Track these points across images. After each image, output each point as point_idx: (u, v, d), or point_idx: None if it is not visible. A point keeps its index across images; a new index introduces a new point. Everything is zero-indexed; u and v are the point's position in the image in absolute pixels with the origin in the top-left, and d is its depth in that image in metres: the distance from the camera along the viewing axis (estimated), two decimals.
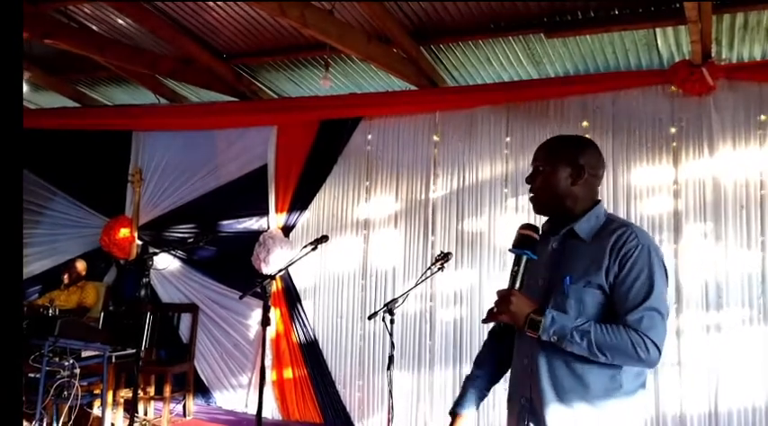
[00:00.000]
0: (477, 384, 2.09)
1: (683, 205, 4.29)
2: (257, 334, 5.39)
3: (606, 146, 4.50)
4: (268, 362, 5.29)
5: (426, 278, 3.82)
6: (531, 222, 1.97)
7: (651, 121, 4.41)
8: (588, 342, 1.78)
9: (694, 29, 3.59)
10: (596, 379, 1.84)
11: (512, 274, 1.84)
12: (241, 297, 3.87)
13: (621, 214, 4.40)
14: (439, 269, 3.87)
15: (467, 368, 4.64)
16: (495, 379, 2.13)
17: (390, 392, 3.42)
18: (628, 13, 4.11)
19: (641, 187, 4.41)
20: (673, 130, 4.38)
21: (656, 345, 1.79)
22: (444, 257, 3.88)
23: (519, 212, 4.66)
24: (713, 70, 4.13)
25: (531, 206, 1.99)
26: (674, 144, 4.36)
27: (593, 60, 4.68)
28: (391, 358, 3.45)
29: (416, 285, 3.79)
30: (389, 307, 3.48)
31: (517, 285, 1.82)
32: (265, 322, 3.50)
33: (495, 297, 1.85)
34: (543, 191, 1.97)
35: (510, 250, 1.87)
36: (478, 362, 2.14)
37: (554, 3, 4.15)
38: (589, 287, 1.85)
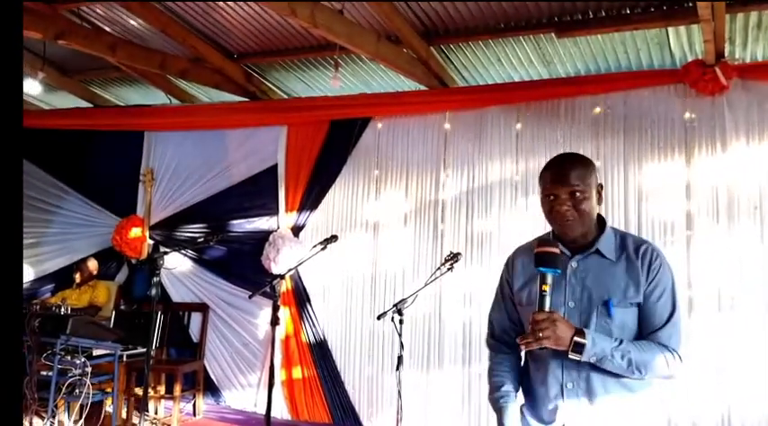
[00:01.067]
0: (513, 397, 2.05)
1: (695, 206, 4.24)
2: (267, 334, 5.40)
3: (617, 147, 4.49)
4: (277, 362, 5.31)
5: (435, 278, 3.81)
6: (546, 236, 2.01)
7: (663, 121, 4.37)
8: (628, 361, 1.86)
9: (707, 28, 3.56)
10: (636, 384, 1.92)
11: (541, 294, 1.80)
12: (250, 297, 3.88)
13: (633, 215, 4.38)
14: (449, 269, 3.85)
15: (476, 368, 4.68)
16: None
17: (399, 392, 3.42)
18: (639, 13, 4.07)
19: (653, 187, 4.37)
20: (685, 130, 4.34)
21: (681, 359, 1.90)
22: (454, 257, 3.87)
23: (529, 212, 4.63)
24: (726, 70, 4.08)
25: (565, 230, 1.92)
26: (687, 144, 4.31)
27: (604, 60, 4.65)
28: (400, 358, 3.44)
29: (426, 285, 3.78)
30: (398, 308, 3.47)
31: (548, 305, 1.80)
32: (275, 321, 3.51)
33: (533, 321, 1.80)
34: (587, 216, 1.92)
35: (539, 270, 1.82)
36: (506, 378, 2.06)
37: (564, 2, 4.13)
38: (630, 307, 1.90)
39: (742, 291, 4.06)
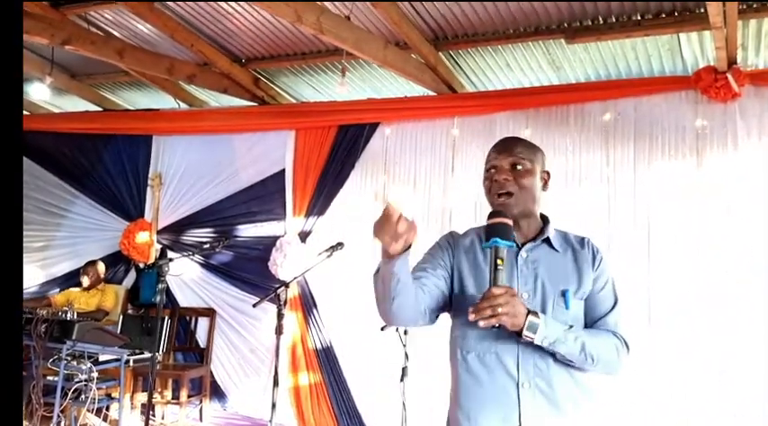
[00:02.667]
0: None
1: (707, 212, 4.18)
2: (274, 339, 5.33)
3: (628, 153, 4.44)
4: (284, 368, 5.29)
5: None
6: (498, 210, 1.78)
7: (674, 128, 4.32)
8: (581, 345, 1.74)
9: (719, 35, 3.51)
10: (589, 379, 1.82)
11: (497, 268, 1.63)
12: (255, 306, 3.87)
13: (644, 223, 4.33)
14: None
15: None
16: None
17: (404, 404, 3.38)
18: (650, 19, 4.03)
19: (664, 194, 4.31)
20: (696, 137, 4.28)
21: (629, 349, 1.85)
22: None
23: None
24: (738, 76, 4.02)
25: (502, 203, 1.77)
26: (698, 151, 4.25)
27: (614, 66, 4.60)
28: (404, 369, 3.41)
29: None
30: None
31: (502, 280, 1.63)
32: (278, 330, 3.49)
33: (491, 295, 1.61)
34: (527, 192, 1.82)
35: (494, 241, 1.64)
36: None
37: (575, 8, 4.08)
38: (581, 299, 1.83)
39: (755, 296, 3.99)
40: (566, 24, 4.27)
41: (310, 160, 5.44)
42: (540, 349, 1.71)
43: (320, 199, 5.39)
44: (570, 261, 1.85)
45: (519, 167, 1.81)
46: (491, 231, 1.67)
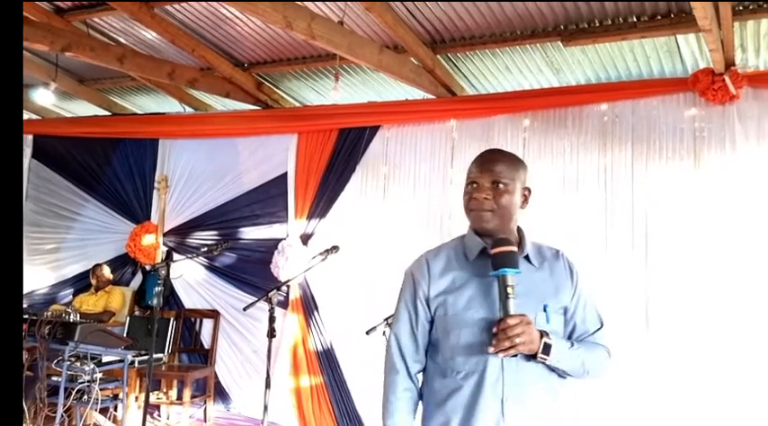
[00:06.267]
0: None
1: (705, 216, 4.14)
2: (277, 341, 5.39)
3: (626, 156, 4.41)
4: (285, 370, 5.35)
5: None
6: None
7: (672, 131, 4.28)
8: (582, 362, 1.82)
9: (710, 37, 3.47)
10: (565, 388, 1.86)
11: (507, 296, 1.69)
12: (245, 309, 3.90)
13: (642, 226, 4.29)
14: None
15: None
16: None
17: None
18: (645, 21, 4.00)
19: (662, 198, 4.28)
20: (694, 140, 4.24)
21: (610, 354, 1.94)
22: None
23: (535, 221, 4.56)
24: (736, 78, 3.97)
25: (479, 221, 1.82)
26: (696, 154, 4.21)
27: (614, 68, 4.57)
28: None
29: None
30: (390, 322, 3.44)
31: (513, 309, 1.68)
32: (270, 333, 3.52)
33: (507, 326, 1.67)
34: (506, 210, 1.84)
35: (502, 271, 1.70)
36: (407, 422, 1.85)
37: (570, 11, 4.07)
38: (559, 313, 1.85)
39: (753, 299, 3.95)
40: (562, 26, 4.25)
41: (312, 163, 5.48)
42: (520, 364, 1.75)
43: (322, 202, 5.42)
44: (547, 275, 1.88)
45: (500, 186, 1.83)
46: (498, 260, 1.73)
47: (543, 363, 1.75)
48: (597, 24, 4.15)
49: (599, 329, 1.91)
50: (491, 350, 1.68)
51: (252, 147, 5.87)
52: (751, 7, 3.73)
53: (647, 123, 4.37)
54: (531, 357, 1.74)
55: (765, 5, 3.69)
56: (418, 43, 4.51)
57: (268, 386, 3.50)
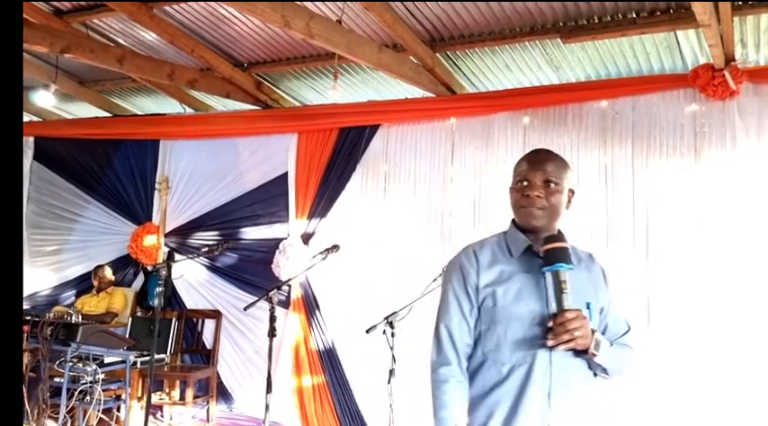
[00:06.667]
0: None
1: (706, 213, 4.13)
2: (278, 341, 5.39)
3: (626, 153, 4.40)
4: (287, 369, 5.35)
5: (432, 289, 3.76)
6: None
7: (672, 127, 4.27)
8: (619, 361, 1.90)
9: (710, 32, 3.46)
10: (599, 384, 1.93)
11: (563, 291, 1.73)
12: (245, 309, 3.90)
13: (643, 222, 4.29)
14: None
15: None
16: None
17: (391, 405, 3.40)
18: (645, 17, 3.99)
19: (663, 194, 4.27)
20: (695, 136, 4.23)
21: None
22: None
23: None
24: (736, 73, 3.96)
25: (530, 218, 1.85)
26: (696, 150, 4.20)
27: (613, 65, 4.56)
28: (392, 372, 3.42)
29: (422, 296, 3.74)
30: (390, 320, 3.45)
31: (569, 303, 1.73)
32: (271, 332, 3.52)
33: (566, 320, 1.71)
34: (555, 210, 1.87)
35: (558, 266, 1.75)
36: (459, 414, 1.84)
37: (569, 8, 4.06)
38: (597, 312, 1.91)
39: (753, 296, 3.94)
40: (561, 23, 4.24)
41: (312, 162, 5.48)
42: (568, 359, 1.80)
43: (322, 201, 5.42)
44: (586, 275, 1.92)
45: (551, 185, 1.86)
46: (553, 256, 1.77)
47: (586, 359, 1.81)
48: (596, 21, 4.13)
49: (627, 331, 1.98)
50: (549, 343, 1.72)
51: (252, 147, 5.87)
52: (750, 2, 3.71)
53: (647, 120, 4.36)
54: (578, 352, 1.79)
55: (765, 1, 3.68)
56: (417, 42, 4.51)
57: (269, 385, 3.49)
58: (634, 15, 4.02)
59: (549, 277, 1.79)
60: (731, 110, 4.09)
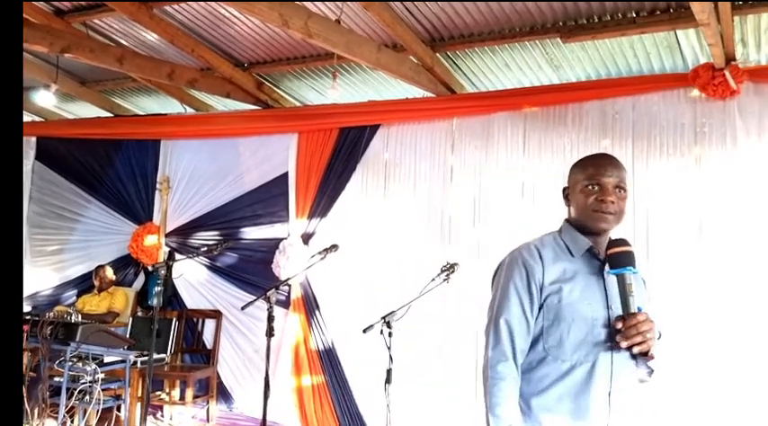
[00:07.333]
0: None
1: (706, 213, 4.12)
2: (278, 341, 5.41)
3: (626, 153, 4.37)
4: (287, 369, 5.35)
5: (430, 289, 3.76)
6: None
7: (673, 126, 4.25)
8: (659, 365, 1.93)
9: (709, 31, 3.44)
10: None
11: (630, 294, 1.77)
12: (243, 308, 3.90)
13: (643, 223, 4.27)
14: (444, 280, 3.81)
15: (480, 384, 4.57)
16: None
17: (388, 406, 3.39)
18: (645, 16, 3.97)
19: (663, 195, 4.25)
20: (695, 136, 4.21)
21: None
22: (450, 268, 3.82)
23: (537, 220, 4.53)
24: (736, 73, 3.94)
25: (602, 222, 1.87)
26: (697, 149, 4.19)
27: (614, 64, 4.54)
28: (389, 372, 3.42)
29: (420, 296, 3.74)
30: (387, 320, 3.44)
31: (634, 306, 1.77)
32: (269, 332, 3.52)
33: (638, 322, 1.75)
34: (622, 215, 1.92)
35: (627, 269, 1.78)
36: (515, 411, 1.84)
37: (568, 7, 4.05)
38: None
39: (754, 297, 3.92)
40: (561, 23, 4.23)
41: (312, 162, 5.48)
42: (627, 360, 1.83)
43: (322, 201, 5.41)
44: (632, 280, 1.92)
45: (621, 191, 1.90)
46: (621, 259, 1.81)
47: (641, 361, 1.83)
48: (596, 20, 4.12)
49: (659, 337, 1.98)
50: (623, 344, 1.75)
51: (253, 147, 5.87)
52: (751, 2, 3.70)
53: (647, 119, 4.34)
54: (634, 355, 1.82)
55: (765, 0, 3.66)
56: (417, 41, 4.50)
57: (266, 385, 3.49)
58: (634, 15, 4.01)
59: (611, 279, 1.82)
60: (732, 109, 4.07)
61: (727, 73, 3.93)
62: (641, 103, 4.37)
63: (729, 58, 3.98)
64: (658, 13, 3.93)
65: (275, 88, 5.70)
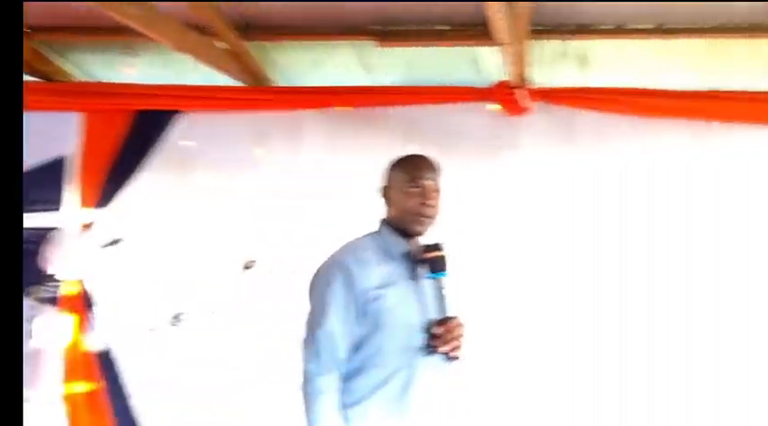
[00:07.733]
0: None
1: (502, 220, 4.42)
2: (43, 344, 4.80)
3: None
4: (59, 375, 4.78)
5: (224, 286, 3.54)
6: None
7: (471, 138, 4.48)
8: None
9: (507, 51, 3.68)
10: None
11: (443, 299, 1.82)
12: None
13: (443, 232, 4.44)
14: (245, 277, 3.62)
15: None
16: None
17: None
18: (454, 30, 4.14)
19: (460, 202, 4.40)
20: (492, 148, 4.48)
21: None
22: (250, 265, 3.65)
23: (343, 219, 4.47)
24: (530, 93, 4.28)
25: (421, 226, 1.92)
26: (491, 162, 4.46)
27: (423, 72, 4.66)
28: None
29: (212, 294, 3.51)
30: (178, 318, 3.19)
31: (450, 311, 1.85)
32: (29, 334, 3.07)
33: (455, 327, 1.81)
34: (437, 217, 2.00)
35: (439, 274, 1.83)
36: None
37: (385, 11, 4.07)
38: None
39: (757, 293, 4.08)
40: (378, 27, 4.25)
41: (99, 146, 4.92)
42: (439, 362, 1.92)
43: (107, 190, 4.89)
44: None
45: (438, 194, 1.97)
46: (437, 264, 1.90)
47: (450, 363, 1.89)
48: (412, 28, 4.21)
49: None
50: (443, 349, 1.81)
51: (26, 125, 5.13)
52: (548, 28, 4.01)
53: (448, 128, 4.53)
54: (448, 357, 1.88)
55: (562, 28, 4.00)
56: (226, 26, 4.25)
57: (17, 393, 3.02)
58: (446, 28, 4.15)
59: (428, 283, 1.87)
60: (524, 126, 4.39)
61: (519, 92, 4.24)
62: (443, 112, 4.53)
63: (524, 79, 4.27)
64: (465, 28, 4.10)
65: (57, 59, 5.05)
